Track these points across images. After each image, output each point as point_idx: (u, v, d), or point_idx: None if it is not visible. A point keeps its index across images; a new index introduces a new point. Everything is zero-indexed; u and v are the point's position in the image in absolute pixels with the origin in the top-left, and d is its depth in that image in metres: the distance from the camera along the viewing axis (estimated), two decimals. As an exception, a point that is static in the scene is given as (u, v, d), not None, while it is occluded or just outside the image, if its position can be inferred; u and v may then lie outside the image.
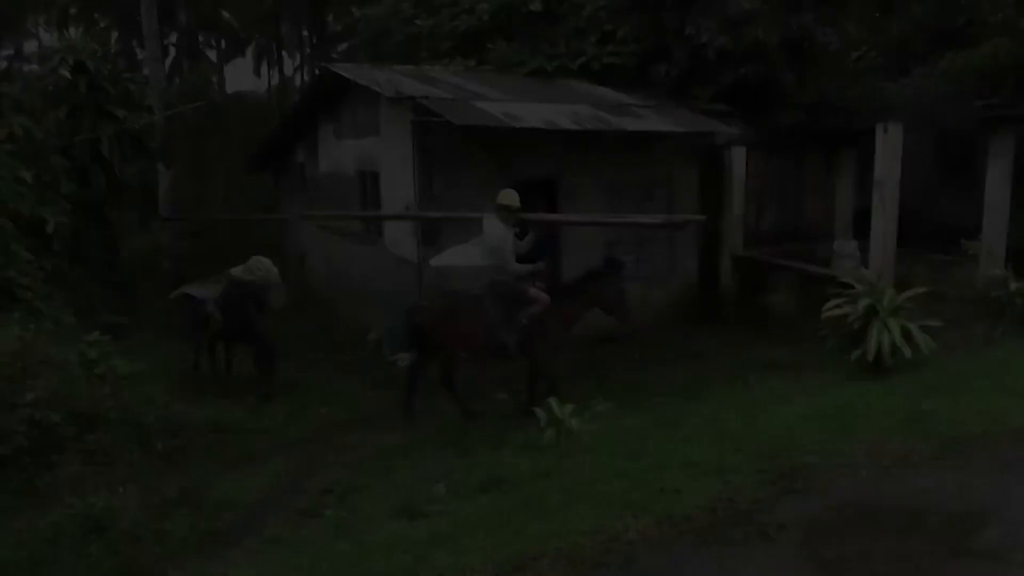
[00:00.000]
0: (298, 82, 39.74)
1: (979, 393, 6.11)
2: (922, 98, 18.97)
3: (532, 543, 4.43)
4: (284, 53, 40.58)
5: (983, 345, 8.17)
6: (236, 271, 11.03)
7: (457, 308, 9.27)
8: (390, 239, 13.60)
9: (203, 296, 10.86)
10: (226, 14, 36.22)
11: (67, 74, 14.07)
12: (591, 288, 9.32)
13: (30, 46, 36.58)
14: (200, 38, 37.21)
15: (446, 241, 12.46)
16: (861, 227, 13.82)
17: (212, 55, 38.67)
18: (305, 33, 38.22)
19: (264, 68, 41.01)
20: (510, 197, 9.04)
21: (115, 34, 31.97)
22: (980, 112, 13.08)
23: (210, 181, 21.90)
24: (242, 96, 27.18)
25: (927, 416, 5.67)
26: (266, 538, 6.68)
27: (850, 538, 4.34)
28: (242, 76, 39.41)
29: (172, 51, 36.07)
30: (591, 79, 14.95)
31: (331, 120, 15.73)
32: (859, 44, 19.90)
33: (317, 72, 15.68)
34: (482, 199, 12.59)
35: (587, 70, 14.94)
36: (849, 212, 16.32)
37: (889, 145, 12.54)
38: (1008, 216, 12.69)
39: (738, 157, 14.26)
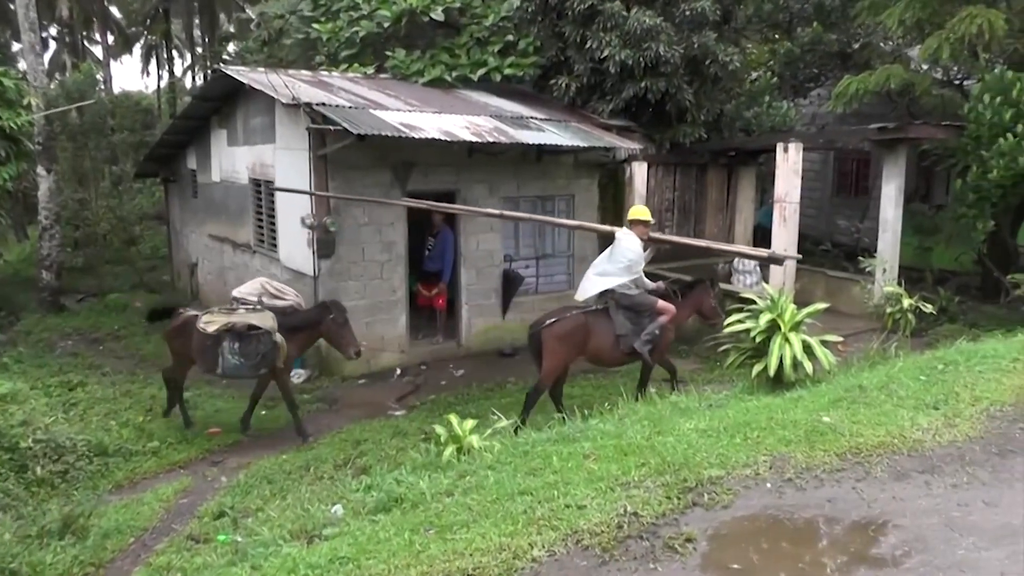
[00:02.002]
0: (189, 83, 38.83)
1: (876, 405, 6.28)
2: (819, 119, 19.70)
3: (435, 564, 4.36)
4: (174, 52, 39.57)
5: (879, 359, 8.44)
6: (251, 296, 10.18)
7: (586, 322, 9.70)
8: (285, 252, 13.42)
9: (268, 327, 9.79)
10: (112, 8, 35.10)
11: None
12: (696, 297, 10.45)
13: None
14: (84, 33, 35.91)
15: (343, 253, 12.35)
16: (762, 244, 14.21)
17: (97, 51, 37.44)
18: (197, 31, 37.35)
19: (153, 67, 39.95)
20: (643, 212, 9.72)
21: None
22: (874, 134, 13.55)
23: (94, 187, 21.09)
24: (129, 96, 26.29)
25: (828, 428, 5.79)
26: (156, 567, 6.53)
27: (756, 549, 4.40)
28: (129, 75, 38.30)
29: (52, 45, 34.73)
30: (491, 90, 15.00)
31: (224, 125, 15.41)
32: (758, 64, 20.54)
33: (209, 73, 15.30)
34: (381, 210, 12.59)
35: (487, 81, 14.97)
36: (750, 229, 16.76)
37: (789, 164, 12.94)
38: (900, 234, 13.21)
39: (639, 173, 14.50)
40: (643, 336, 9.58)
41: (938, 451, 5.45)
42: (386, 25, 15.84)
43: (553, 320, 9.78)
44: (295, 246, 13.03)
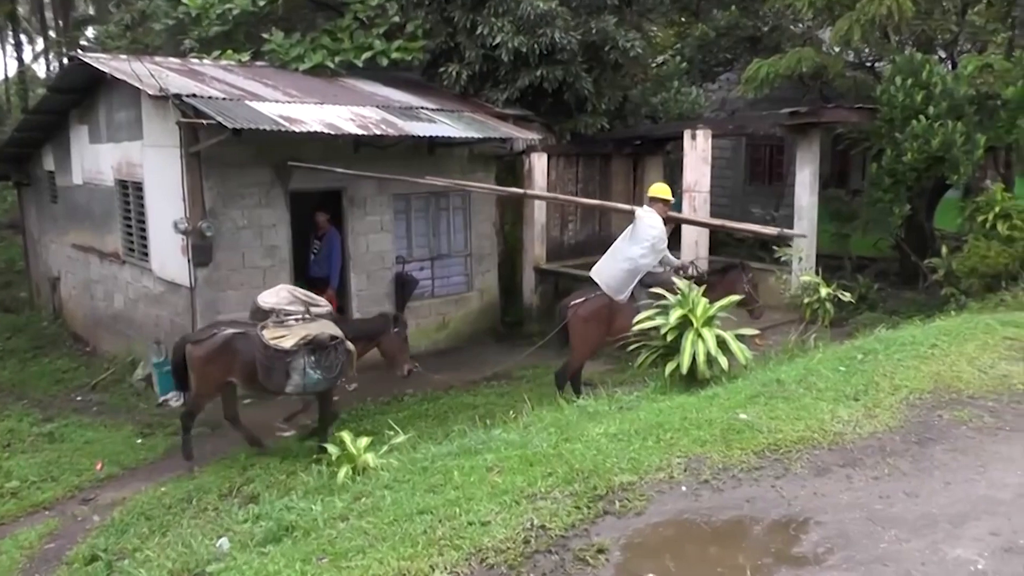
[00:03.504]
0: (43, 72, 37.42)
1: (795, 399, 6.40)
2: (729, 104, 20.10)
3: (330, 595, 4.26)
4: (22, 37, 38.03)
5: (798, 351, 8.61)
6: (291, 306, 9.84)
7: (611, 305, 9.96)
8: (157, 261, 13.07)
9: (341, 335, 9.65)
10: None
11: None
12: (729, 281, 10.52)
13: None
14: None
15: (222, 260, 12.08)
16: (673, 235, 14.39)
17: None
18: (49, 14, 35.99)
19: (-1, 53, 38.40)
20: (665, 190, 10.21)
21: None
22: (786, 119, 13.84)
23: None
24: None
25: (745, 426, 5.87)
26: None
27: (672, 554, 4.42)
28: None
29: None
30: (378, 78, 14.86)
31: (85, 120, 14.89)
32: (664, 49, 20.86)
33: (65, 62, 14.72)
34: (261, 212, 12.36)
35: (374, 67, 14.83)
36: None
37: (697, 151, 13.13)
38: (816, 221, 13.54)
39: (539, 164, 14.58)
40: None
41: (859, 443, 5.58)
42: (262, 3, 15.51)
43: (580, 300, 10.21)
44: (169, 254, 12.69)
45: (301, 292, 10.24)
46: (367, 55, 15.05)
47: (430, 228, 14.60)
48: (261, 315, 9.77)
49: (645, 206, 10.12)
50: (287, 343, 9.42)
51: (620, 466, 5.36)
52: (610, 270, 10.08)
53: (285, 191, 12.64)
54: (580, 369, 10.66)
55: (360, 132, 11.77)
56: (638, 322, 8.37)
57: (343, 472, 6.76)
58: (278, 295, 9.99)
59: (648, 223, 9.86)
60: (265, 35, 15.29)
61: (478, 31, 14.61)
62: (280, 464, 9.64)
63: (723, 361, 7.61)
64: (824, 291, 9.58)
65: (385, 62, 15.06)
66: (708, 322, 7.80)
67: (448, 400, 11.77)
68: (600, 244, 16.74)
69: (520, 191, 13.33)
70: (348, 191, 13.30)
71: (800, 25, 19.19)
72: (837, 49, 16.54)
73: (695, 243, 13.17)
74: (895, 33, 14.78)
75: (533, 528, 4.63)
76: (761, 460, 5.37)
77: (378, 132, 11.93)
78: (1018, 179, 15.27)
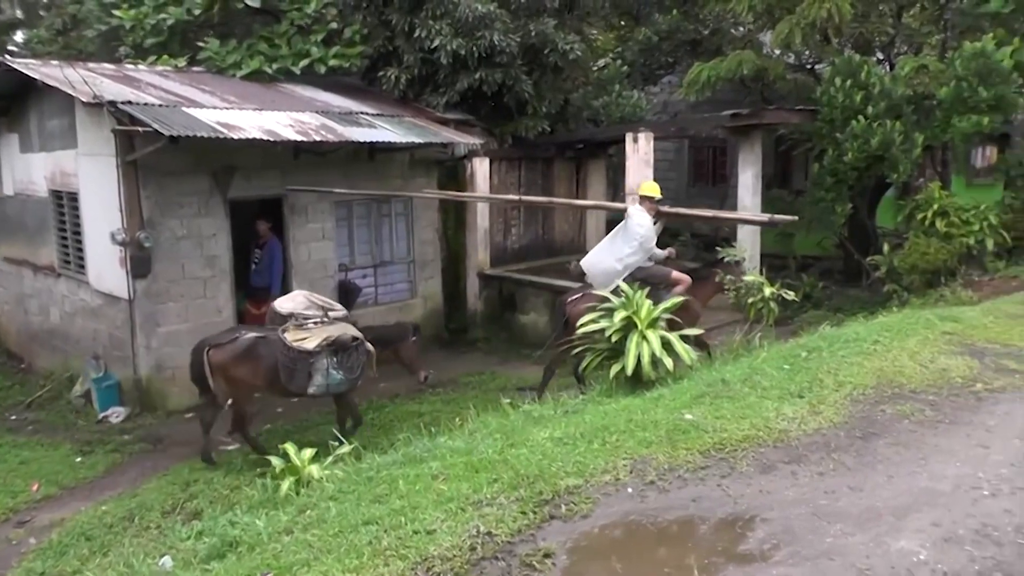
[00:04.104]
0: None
1: (740, 398, 6.47)
2: (671, 107, 20.26)
3: (273, 610, 4.21)
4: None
5: (743, 351, 8.69)
6: (309, 310, 10.01)
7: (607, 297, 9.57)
8: (94, 273, 12.84)
9: (356, 335, 9.98)
10: None
11: None
12: (718, 272, 10.81)
13: None
14: None
15: (161, 271, 11.91)
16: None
17: None
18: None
19: (-84, 56, 37.43)
20: (653, 188, 10.42)
21: None
22: (727, 120, 13.98)
23: None
24: None
25: (690, 426, 5.91)
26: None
27: (620, 556, 4.42)
28: None
29: None
30: (316, 83, 14.77)
31: (15, 128, 14.59)
32: (605, 52, 20.97)
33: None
34: (201, 221, 12.21)
35: (312, 72, 14.73)
36: (603, 223, 17.06)
37: (639, 154, 13.21)
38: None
39: (481, 169, 14.58)
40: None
41: (804, 440, 5.65)
42: (197, 12, 15.28)
43: (577, 296, 10.28)
44: (106, 266, 12.46)
45: (317, 297, 10.44)
46: (305, 62, 14.94)
47: (372, 235, 14.52)
48: (279, 320, 9.93)
49: (636, 204, 10.26)
50: (310, 344, 9.62)
51: (566, 470, 5.36)
52: (600, 265, 10.20)
53: (225, 199, 12.48)
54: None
55: (299, 138, 11.66)
56: (581, 325, 8.39)
57: (287, 485, 6.70)
58: (294, 300, 10.20)
59: (637, 221, 9.96)
60: (201, 43, 15.11)
61: (416, 34, 14.56)
62: (224, 479, 9.51)
63: (668, 362, 7.66)
64: (768, 291, 9.68)
65: (323, 69, 14.94)
66: (653, 323, 7.84)
67: (393, 408, 11.72)
68: (544, 248, 16.88)
69: (515, 197, 13.32)
70: (289, 199, 13.17)
71: (741, 28, 19.39)
72: (778, 52, 16.76)
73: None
74: (834, 36, 15.01)
75: (479, 535, 4.61)
76: (707, 459, 5.40)
77: (318, 138, 11.84)
78: (954, 177, 15.55)
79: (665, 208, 10.70)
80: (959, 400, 6.45)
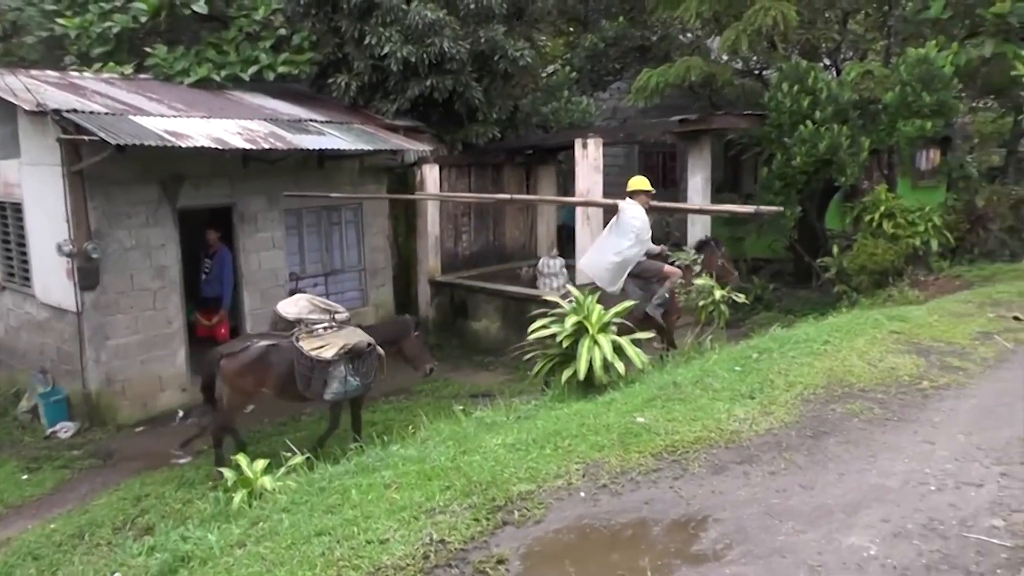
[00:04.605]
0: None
1: (692, 400, 6.50)
2: (620, 112, 20.37)
3: (226, 625, 4.15)
4: None
5: (694, 353, 8.74)
6: (313, 315, 9.97)
7: (601, 294, 9.69)
8: (40, 286, 12.61)
9: (369, 340, 10.01)
10: None
11: None
12: (706, 259, 11.32)
13: None
14: None
15: (109, 283, 11.74)
16: (568, 244, 14.55)
17: None
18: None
19: None
20: (643, 182, 10.49)
21: None
22: (676, 126, 14.08)
23: None
24: None
25: (642, 429, 5.92)
26: None
27: (573, 561, 4.41)
28: None
29: None
30: (265, 91, 14.65)
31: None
32: (554, 58, 21.05)
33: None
34: (149, 231, 12.05)
35: (261, 79, 14.61)
36: (553, 229, 17.11)
37: (589, 160, 13.25)
38: (710, 225, 13.82)
39: (431, 176, 14.57)
40: (654, 300, 10.28)
41: (755, 440, 5.69)
42: (143, 19, 15.02)
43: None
44: (52, 278, 12.24)
45: (319, 300, 10.42)
46: (254, 69, 14.78)
47: (323, 243, 14.44)
48: (284, 325, 9.90)
49: (628, 199, 10.31)
50: (328, 353, 9.61)
51: (518, 476, 5.35)
52: (600, 263, 10.22)
53: (173, 209, 12.33)
54: None
55: (248, 146, 11.55)
56: (534, 331, 8.39)
57: (239, 497, 6.60)
58: (297, 305, 10.12)
59: (631, 214, 10.00)
60: (148, 49, 14.88)
61: (366, 41, 14.50)
62: (176, 492, 9.40)
63: (620, 366, 7.70)
64: (719, 293, 9.76)
65: (272, 76, 14.80)
66: (604, 328, 7.86)
67: (345, 418, 11.59)
68: (495, 254, 16.88)
69: (507, 196, 13.27)
70: (238, 207, 13.05)
71: (688, 35, 19.57)
72: (725, 58, 16.92)
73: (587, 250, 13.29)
74: (781, 42, 15.20)
75: (432, 543, 4.58)
76: (659, 462, 5.41)
77: (266, 146, 11.73)
78: (900, 180, 15.79)
79: (656, 203, 10.83)
80: (906, 398, 6.54)
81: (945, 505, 4.67)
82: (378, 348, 10.05)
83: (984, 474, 5.06)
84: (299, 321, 9.89)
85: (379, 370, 10.16)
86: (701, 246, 11.86)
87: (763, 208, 10.32)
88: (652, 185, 10.51)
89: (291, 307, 10.07)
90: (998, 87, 15.78)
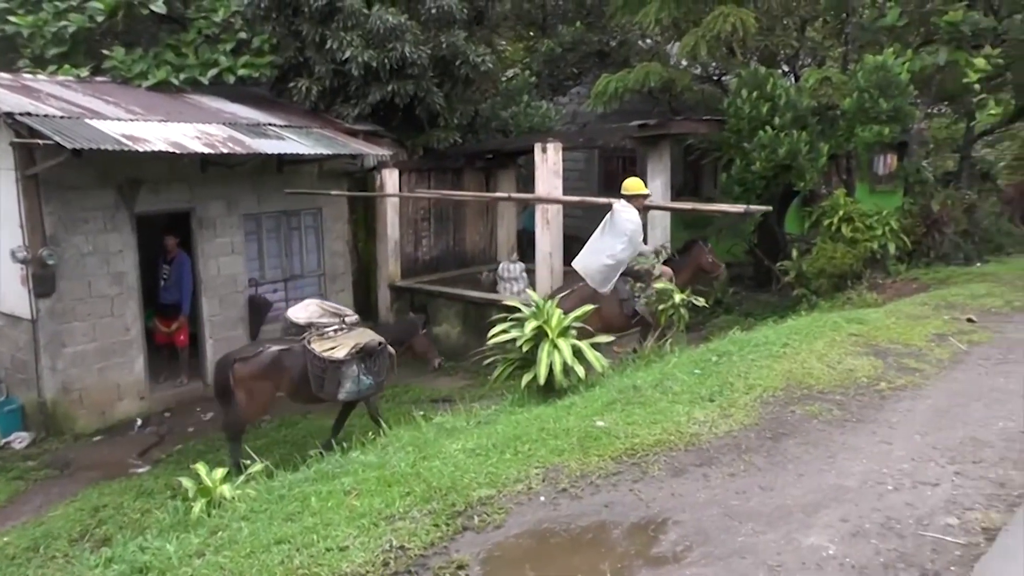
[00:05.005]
0: None
1: (652, 404, 6.52)
2: (580, 117, 20.42)
3: (185, 637, 4.09)
4: None
5: (654, 357, 8.77)
6: (322, 318, 10.16)
7: (594, 293, 10.40)
8: (-8, 292, 12.34)
9: (380, 339, 10.29)
10: None
11: None
12: (694, 256, 12.10)
13: None
14: None
15: (66, 290, 11.57)
16: (528, 249, 14.55)
17: None
18: None
19: None
20: (639, 185, 10.80)
21: None
22: (635, 131, 14.11)
23: None
24: None
25: (602, 433, 5.92)
26: None
27: (533, 565, 4.42)
28: None
29: None
30: (224, 94, 14.52)
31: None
32: (514, 63, 21.07)
33: None
34: (107, 237, 11.89)
35: (220, 83, 14.46)
36: (514, 233, 17.10)
37: (548, 164, 13.24)
38: (670, 229, 13.87)
39: (390, 180, 14.53)
40: (642, 299, 10.55)
41: (715, 443, 5.71)
42: (100, 19, 14.75)
43: (565, 294, 10.51)
44: (7, 285, 12.03)
45: (329, 304, 10.63)
46: (213, 72, 14.61)
47: (282, 248, 14.32)
48: (296, 330, 10.06)
49: (622, 200, 10.51)
50: (340, 353, 9.78)
51: (478, 481, 5.34)
52: (593, 264, 10.47)
53: (131, 214, 12.17)
54: None
55: (207, 150, 11.40)
56: (494, 335, 8.36)
57: (199, 506, 6.49)
58: (307, 310, 10.27)
59: (625, 216, 10.24)
60: (105, 51, 14.65)
61: (327, 45, 14.42)
62: (134, 503, 9.26)
63: (580, 370, 7.71)
64: (678, 297, 9.80)
65: (232, 79, 14.65)
66: (564, 332, 7.85)
67: (306, 424, 11.61)
68: (455, 259, 16.88)
69: (505, 195, 13.23)
70: (197, 212, 12.92)
71: (648, 41, 19.66)
72: (685, 63, 17.01)
73: (548, 254, 13.28)
74: (740, 48, 15.29)
75: (392, 549, 4.56)
76: (619, 465, 5.42)
77: (225, 150, 11.59)
78: (858, 184, 15.93)
79: (649, 203, 11.07)
80: (864, 399, 6.62)
81: (902, 504, 4.72)
82: (389, 347, 10.25)
83: (939, 473, 5.14)
84: (310, 325, 10.05)
85: (391, 368, 10.41)
86: (688, 246, 12.30)
87: (752, 208, 10.61)
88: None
89: (301, 312, 10.23)
90: (951, 94, 15.98)
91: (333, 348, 9.82)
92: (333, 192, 13.04)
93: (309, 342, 9.80)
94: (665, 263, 11.26)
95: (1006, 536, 4.30)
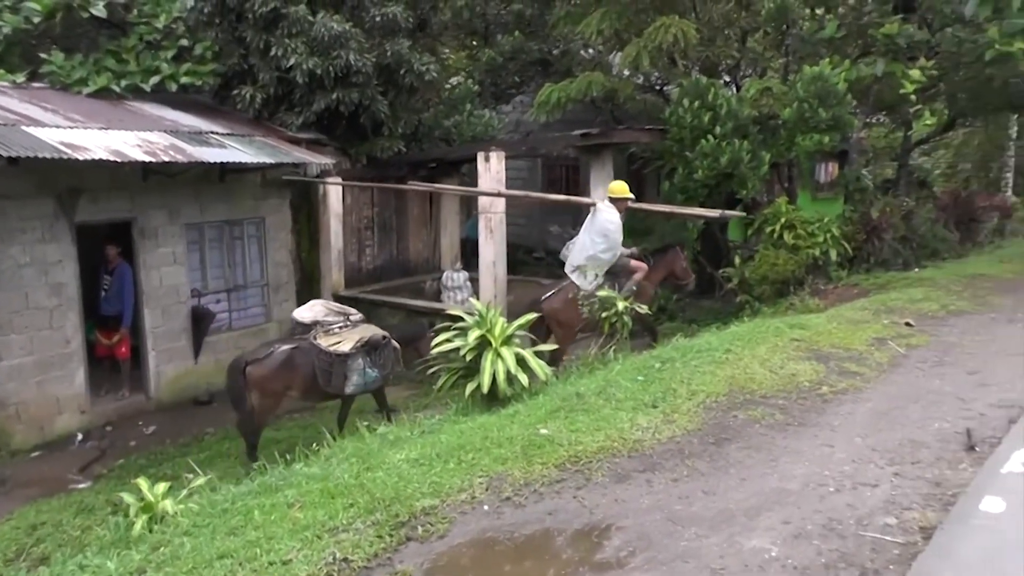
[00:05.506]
0: None
1: (595, 411, 6.54)
2: (524, 126, 20.47)
3: (125, 655, 4.01)
4: None
5: (598, 364, 8.79)
6: (328, 317, 10.42)
7: (577, 293, 10.92)
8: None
9: (384, 333, 10.68)
10: None
11: None
12: (668, 260, 12.41)
13: None
14: None
15: (2, 302, 11.33)
16: (472, 258, 14.52)
17: None
18: None
19: None
20: (623, 189, 11.11)
21: None
22: (577, 140, 14.17)
23: None
24: None
25: (546, 440, 5.93)
26: None
27: (478, 574, 4.41)
28: None
29: None
30: (166, 102, 14.30)
31: None
32: (457, 71, 21.06)
33: None
34: (45, 247, 11.66)
35: (162, 91, 14.23)
36: (457, 242, 17.09)
37: (491, 173, 13.23)
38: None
39: (334, 190, 14.39)
40: (622, 293, 10.69)
41: (658, 448, 5.74)
42: (36, 20, 14.35)
43: (549, 295, 11.34)
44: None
45: (334, 304, 11.00)
46: (155, 79, 14.32)
47: (225, 258, 14.12)
48: (302, 329, 10.30)
49: (606, 201, 10.89)
50: (345, 347, 10.07)
51: (422, 491, 5.34)
52: (575, 261, 10.90)
53: (71, 224, 11.94)
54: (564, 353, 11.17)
55: (147, 159, 11.20)
56: (437, 344, 8.34)
57: (140, 522, 6.39)
58: (313, 309, 10.52)
59: (606, 217, 10.62)
60: (44, 55, 14.28)
61: (272, 52, 14.27)
62: (74, 519, 9.04)
63: (523, 378, 7.72)
64: (621, 304, 9.84)
65: (174, 86, 14.38)
66: (507, 341, 7.85)
67: (299, 432, 11.44)
68: (399, 268, 16.84)
69: (494, 192, 13.07)
70: (138, 222, 12.71)
71: (590, 51, 19.74)
72: (627, 73, 17.10)
73: (492, 263, 13.26)
74: (682, 58, 15.44)
75: (335, 562, 4.55)
76: (562, 473, 5.43)
77: (166, 159, 11.39)
78: (800, 192, 16.12)
79: (632, 205, 11.35)
80: (806, 403, 6.71)
81: (843, 505, 4.79)
82: (393, 341, 10.58)
83: (879, 474, 5.21)
84: (316, 324, 10.29)
85: (396, 362, 10.71)
86: (665, 249, 12.56)
87: (727, 212, 11.25)
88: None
89: (307, 312, 10.46)
90: (889, 104, 16.30)
91: (339, 343, 10.10)
92: (329, 181, 12.95)
93: (315, 338, 10.06)
94: (637, 259, 11.56)
95: (942, 535, 4.38)
